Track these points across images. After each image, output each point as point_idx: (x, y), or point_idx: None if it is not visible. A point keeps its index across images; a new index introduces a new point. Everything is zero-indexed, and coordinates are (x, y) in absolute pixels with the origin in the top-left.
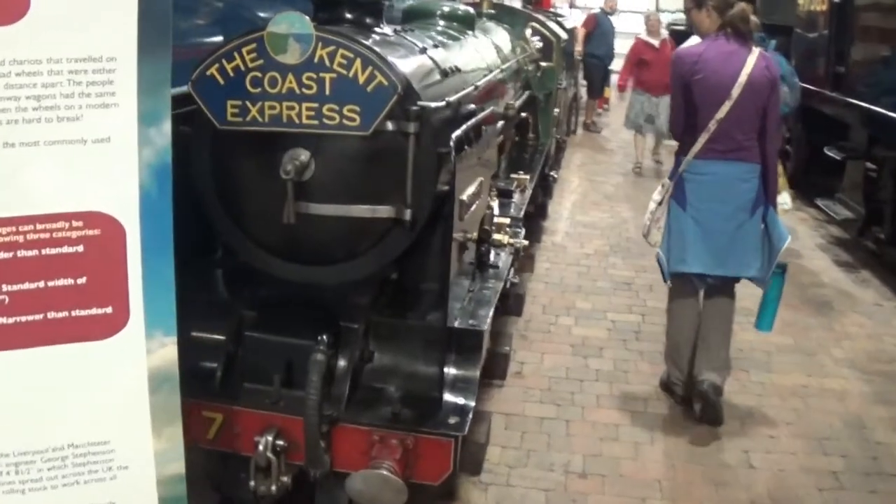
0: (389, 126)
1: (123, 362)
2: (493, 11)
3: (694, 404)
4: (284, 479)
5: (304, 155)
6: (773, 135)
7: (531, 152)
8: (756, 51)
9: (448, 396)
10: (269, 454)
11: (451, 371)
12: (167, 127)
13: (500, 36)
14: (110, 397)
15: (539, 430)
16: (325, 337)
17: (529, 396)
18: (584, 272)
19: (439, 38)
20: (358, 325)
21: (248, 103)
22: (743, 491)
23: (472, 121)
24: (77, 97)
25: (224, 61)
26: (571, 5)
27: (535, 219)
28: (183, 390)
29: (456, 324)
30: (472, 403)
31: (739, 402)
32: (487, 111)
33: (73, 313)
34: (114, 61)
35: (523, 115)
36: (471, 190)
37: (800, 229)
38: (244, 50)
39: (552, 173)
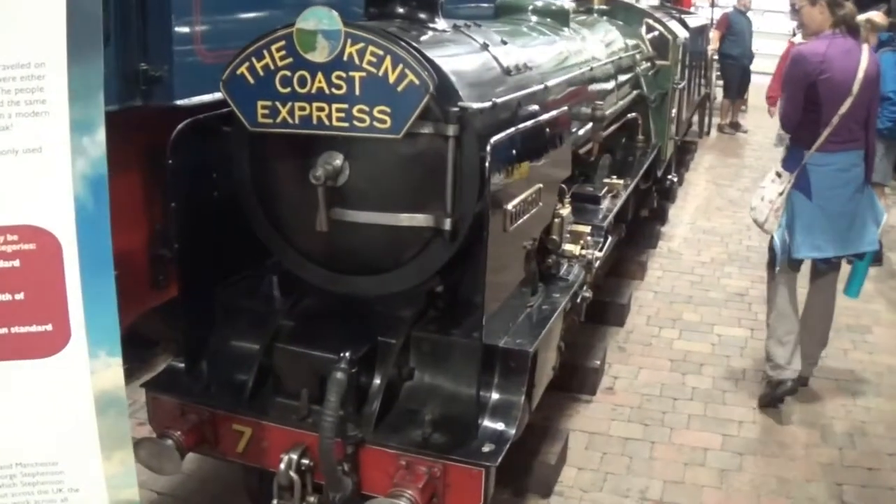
0: (427, 129)
1: (67, 382)
2: (605, 7)
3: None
4: (311, 499)
5: (338, 159)
6: (874, 123)
7: (638, 155)
8: (866, 46)
9: (487, 422)
10: (292, 473)
11: (492, 395)
12: (101, 136)
13: (604, 33)
14: (56, 418)
15: (621, 452)
16: (347, 354)
17: (617, 414)
18: (696, 281)
19: (517, 34)
20: (396, 340)
21: (277, 104)
22: None
23: (526, 123)
24: (6, 105)
25: (254, 59)
26: (713, 4)
27: (652, 223)
28: (216, 401)
29: (501, 343)
30: (513, 431)
31: (840, 429)
32: (556, 112)
33: (13, 330)
34: (43, 67)
35: (630, 115)
36: (522, 198)
37: None
38: (273, 48)
39: (671, 177)
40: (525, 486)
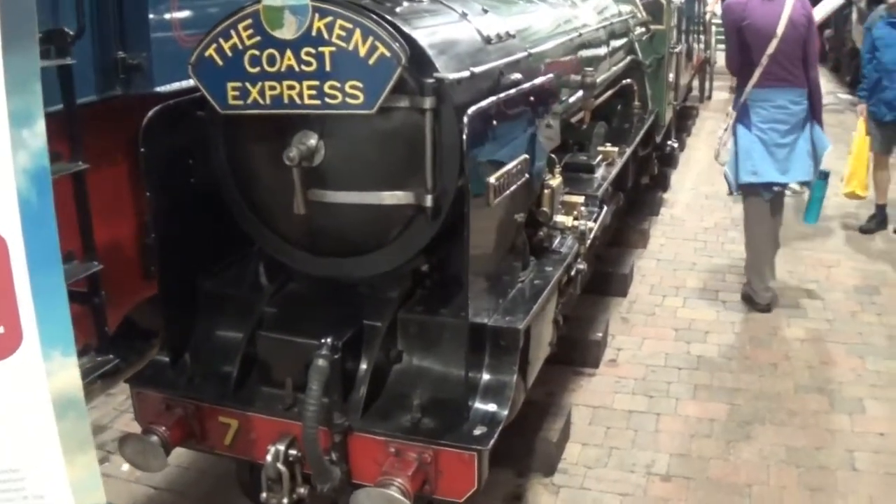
0: (403, 102)
1: (23, 385)
2: None
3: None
4: (301, 490)
5: (312, 138)
6: (814, 63)
7: (635, 122)
8: None
9: (478, 404)
10: (280, 465)
11: (482, 375)
12: (41, 127)
13: (597, 0)
14: (15, 423)
15: (626, 426)
16: (329, 340)
17: (621, 387)
18: (700, 248)
19: (502, 2)
20: (382, 322)
21: (247, 84)
22: (840, 499)
23: (508, 92)
24: None
25: (221, 40)
26: None
27: (653, 190)
28: (200, 393)
29: (489, 321)
30: (505, 412)
31: (850, 394)
32: (540, 80)
33: None
34: None
35: (626, 81)
36: (506, 170)
37: None
38: (240, 27)
39: (671, 142)
40: (528, 465)
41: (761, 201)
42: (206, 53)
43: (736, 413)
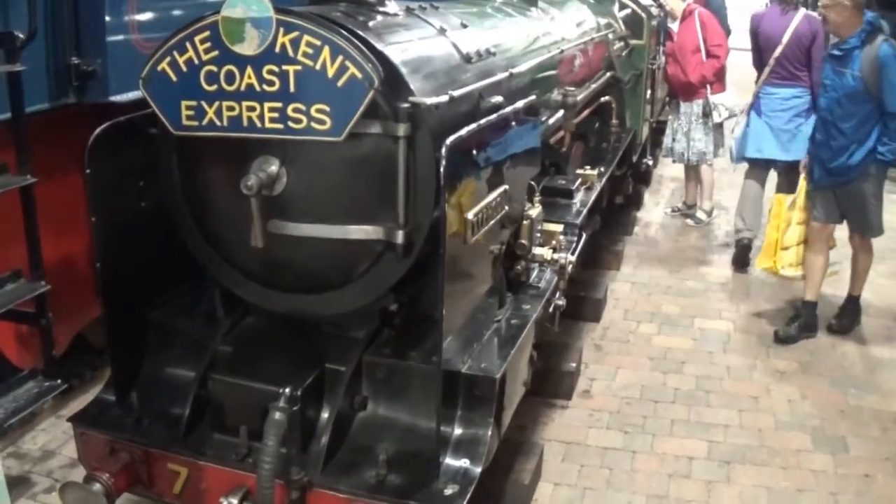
0: (374, 128)
1: None
2: None
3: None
4: None
5: (273, 165)
6: (817, 68)
7: (613, 140)
8: (801, 11)
9: (449, 459)
10: None
11: (455, 428)
12: None
13: (574, 12)
14: None
15: (600, 464)
16: (287, 390)
17: (595, 421)
18: (675, 270)
19: (480, 16)
20: (346, 367)
21: (203, 104)
22: None
23: (489, 118)
24: None
25: (175, 53)
26: None
27: (627, 209)
28: (148, 437)
29: (464, 368)
30: (479, 469)
31: (832, 432)
32: (522, 102)
33: None
34: None
35: (604, 99)
36: (485, 203)
37: None
38: (197, 39)
39: (646, 160)
40: None
41: (758, 171)
42: (159, 67)
43: (715, 451)
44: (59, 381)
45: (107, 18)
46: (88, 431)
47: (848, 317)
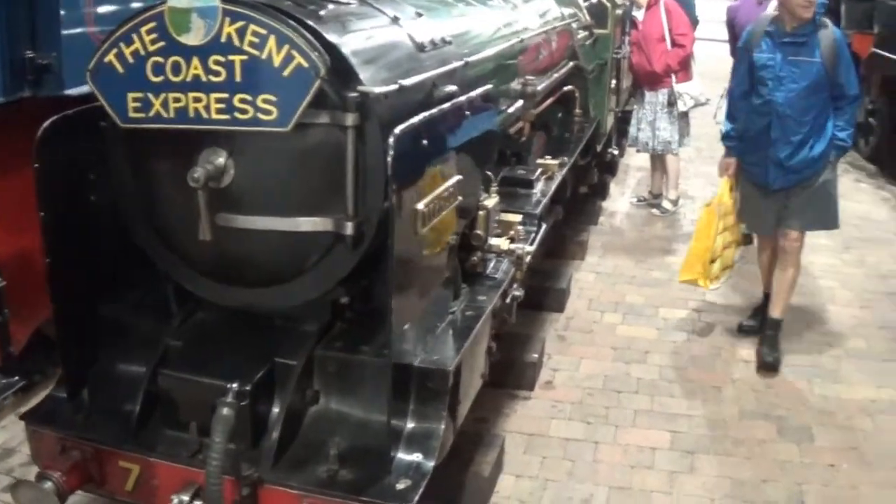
0: (322, 118)
1: None
2: None
3: None
4: None
5: (220, 157)
6: None
7: (576, 130)
8: (775, 2)
9: (401, 454)
10: None
11: (407, 422)
12: None
13: (538, 2)
14: None
15: (563, 455)
16: (235, 385)
17: (557, 412)
18: (640, 260)
19: (437, 5)
20: (298, 361)
21: (150, 95)
22: None
23: (441, 107)
24: None
25: (122, 45)
26: None
27: (592, 199)
28: (99, 434)
29: (417, 361)
30: (431, 463)
31: (797, 422)
32: (477, 92)
33: None
34: None
35: (567, 88)
36: (436, 194)
37: (882, 211)
38: (143, 30)
39: (611, 150)
40: (458, 502)
41: None
42: (106, 59)
43: (678, 441)
44: (16, 377)
45: (62, 12)
46: (40, 429)
47: (768, 344)
